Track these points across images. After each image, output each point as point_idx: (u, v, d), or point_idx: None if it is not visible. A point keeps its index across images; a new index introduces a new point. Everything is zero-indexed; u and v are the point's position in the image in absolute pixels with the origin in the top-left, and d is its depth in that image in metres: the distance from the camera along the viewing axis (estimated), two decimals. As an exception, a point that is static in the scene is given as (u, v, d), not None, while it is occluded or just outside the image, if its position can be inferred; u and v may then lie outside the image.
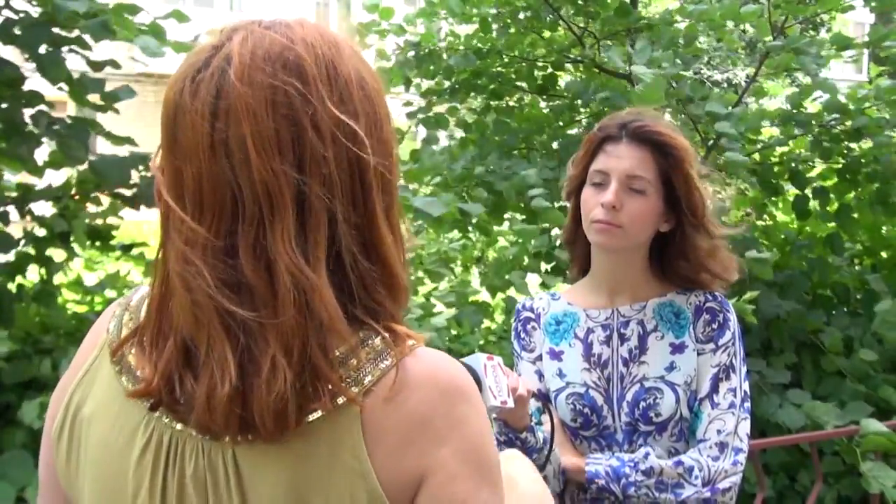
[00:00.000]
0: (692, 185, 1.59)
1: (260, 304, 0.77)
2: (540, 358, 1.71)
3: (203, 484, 0.82)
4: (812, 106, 4.41)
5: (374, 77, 0.86)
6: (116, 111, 3.41)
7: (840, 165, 4.33)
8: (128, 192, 3.35)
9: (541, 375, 1.70)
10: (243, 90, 0.78)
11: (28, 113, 3.21)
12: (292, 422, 0.78)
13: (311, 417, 0.79)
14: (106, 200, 3.55)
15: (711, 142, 4.18)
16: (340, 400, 0.79)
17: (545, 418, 1.59)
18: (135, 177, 3.36)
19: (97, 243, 3.66)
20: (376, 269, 0.82)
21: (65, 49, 3.13)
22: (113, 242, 3.68)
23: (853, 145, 4.31)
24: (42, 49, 3.05)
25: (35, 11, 3.11)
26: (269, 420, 0.77)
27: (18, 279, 3.50)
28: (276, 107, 0.78)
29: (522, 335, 1.74)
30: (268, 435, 0.78)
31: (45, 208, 3.55)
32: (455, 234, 4.29)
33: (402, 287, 0.85)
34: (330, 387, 0.79)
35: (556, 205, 3.57)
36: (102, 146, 3.50)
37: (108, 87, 3.38)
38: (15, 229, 3.42)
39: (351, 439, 0.79)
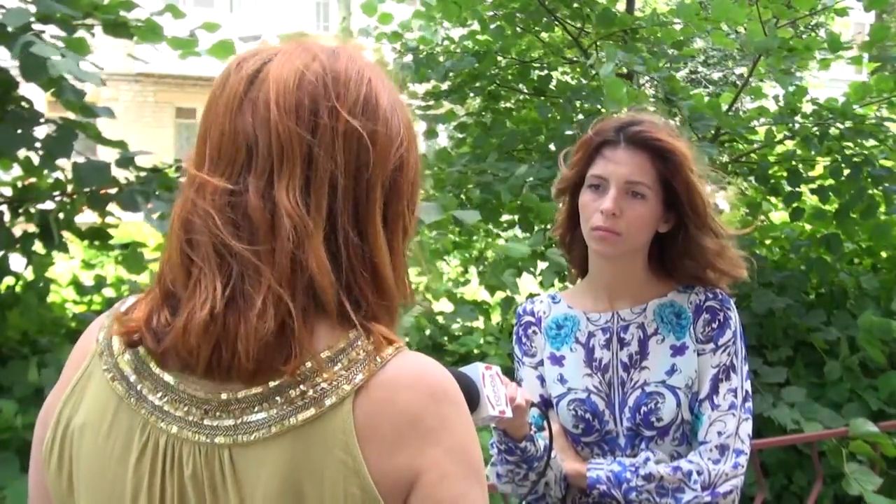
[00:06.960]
0: (693, 190, 1.58)
1: (260, 241, 0.83)
2: (542, 363, 1.70)
3: (201, 484, 0.84)
4: (808, 105, 4.42)
5: (403, 107, 0.93)
6: (96, 116, 3.38)
7: (837, 164, 4.33)
8: (113, 191, 3.31)
9: (542, 380, 1.69)
10: (278, 70, 0.87)
11: (20, 114, 3.18)
12: (270, 366, 0.81)
13: (304, 416, 0.81)
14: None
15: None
16: (332, 399, 0.82)
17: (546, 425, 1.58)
18: (131, 176, 3.34)
19: (95, 243, 3.64)
20: (366, 252, 0.86)
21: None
22: (112, 242, 3.66)
23: (850, 144, 4.31)
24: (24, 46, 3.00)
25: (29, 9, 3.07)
26: (252, 352, 0.80)
27: (10, 279, 3.47)
28: (303, 86, 0.86)
29: (524, 340, 1.73)
30: (244, 372, 0.81)
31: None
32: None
33: (389, 289, 0.88)
34: (321, 379, 0.82)
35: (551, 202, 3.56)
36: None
37: (108, 88, 3.36)
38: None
39: (344, 436, 0.81)
